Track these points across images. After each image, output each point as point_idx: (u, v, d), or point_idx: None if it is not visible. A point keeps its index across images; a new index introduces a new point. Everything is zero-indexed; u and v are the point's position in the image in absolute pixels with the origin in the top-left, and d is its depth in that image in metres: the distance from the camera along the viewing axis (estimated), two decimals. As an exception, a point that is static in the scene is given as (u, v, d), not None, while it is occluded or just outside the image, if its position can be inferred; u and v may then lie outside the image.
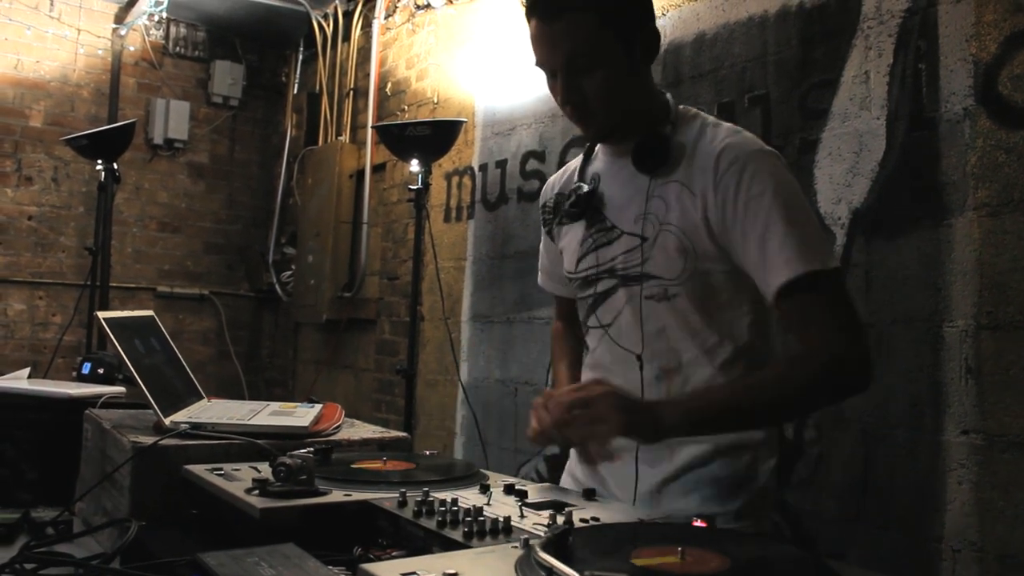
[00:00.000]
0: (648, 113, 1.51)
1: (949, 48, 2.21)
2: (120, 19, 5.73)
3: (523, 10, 1.48)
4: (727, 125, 1.50)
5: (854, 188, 2.38)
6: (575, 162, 1.68)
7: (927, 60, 2.25)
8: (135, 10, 5.54)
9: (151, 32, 5.87)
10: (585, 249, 1.56)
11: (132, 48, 5.83)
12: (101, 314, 1.68)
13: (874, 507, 2.29)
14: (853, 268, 2.37)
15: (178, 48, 6.02)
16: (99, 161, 4.23)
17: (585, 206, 1.54)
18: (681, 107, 1.52)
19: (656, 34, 1.49)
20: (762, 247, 1.36)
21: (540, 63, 1.47)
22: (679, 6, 2.99)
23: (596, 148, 1.62)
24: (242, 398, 5.98)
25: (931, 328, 2.19)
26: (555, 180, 1.72)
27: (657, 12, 3.00)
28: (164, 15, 5.67)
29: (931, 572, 2.15)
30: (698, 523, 1.16)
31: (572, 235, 1.61)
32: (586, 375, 1.64)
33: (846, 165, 2.41)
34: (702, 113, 1.53)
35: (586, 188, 1.55)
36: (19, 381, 2.83)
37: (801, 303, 1.34)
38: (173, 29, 5.97)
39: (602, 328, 1.55)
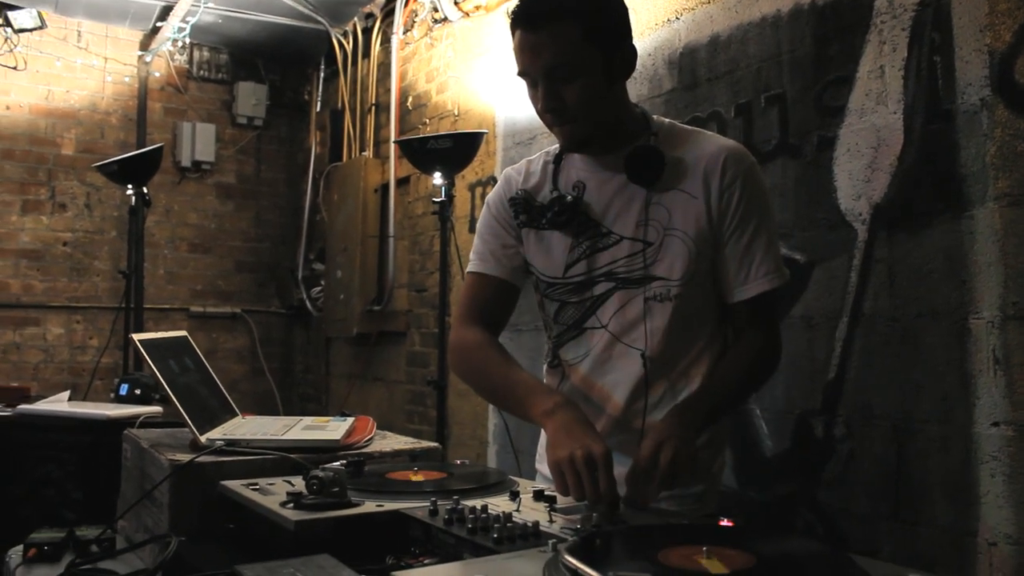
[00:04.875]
0: (626, 125, 1.60)
1: (963, 39, 2.20)
2: (145, 46, 5.83)
3: (508, 21, 1.55)
4: (707, 132, 1.67)
5: (873, 183, 2.38)
6: (538, 163, 1.71)
7: (942, 52, 2.25)
8: (159, 36, 5.64)
9: (175, 57, 5.97)
10: (576, 255, 1.61)
11: (157, 74, 5.93)
12: (136, 336, 1.72)
13: (907, 503, 2.28)
14: (876, 263, 2.36)
15: (202, 71, 6.11)
16: (129, 186, 4.31)
17: (572, 214, 1.58)
18: (655, 118, 1.63)
19: (634, 52, 1.57)
20: (747, 255, 1.56)
21: (522, 72, 1.55)
22: (692, 9, 3.00)
23: (565, 156, 1.66)
24: (277, 414, 6.05)
25: (957, 321, 2.18)
26: (517, 176, 1.72)
27: (671, 16, 3.05)
28: (187, 40, 5.76)
29: (968, 567, 2.13)
30: (724, 523, 1.18)
31: (551, 241, 1.64)
32: (581, 375, 1.65)
33: (865, 161, 2.41)
34: (675, 122, 1.66)
35: (570, 196, 1.59)
36: (60, 404, 2.91)
37: (760, 308, 1.59)
38: (196, 53, 6.06)
39: (604, 328, 1.60)
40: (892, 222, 2.34)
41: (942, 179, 2.22)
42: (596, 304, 1.61)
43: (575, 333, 1.65)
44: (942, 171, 2.22)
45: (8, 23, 5.31)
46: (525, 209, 1.63)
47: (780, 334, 1.65)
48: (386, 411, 5.03)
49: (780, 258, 1.59)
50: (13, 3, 5.30)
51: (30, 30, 5.37)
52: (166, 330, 5.59)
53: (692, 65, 2.98)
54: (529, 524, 1.12)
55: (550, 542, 1.02)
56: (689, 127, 1.67)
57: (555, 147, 1.69)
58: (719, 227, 1.56)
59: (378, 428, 1.87)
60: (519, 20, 1.51)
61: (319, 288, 5.84)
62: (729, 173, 1.55)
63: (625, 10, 1.57)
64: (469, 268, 1.74)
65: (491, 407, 4.02)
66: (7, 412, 2.81)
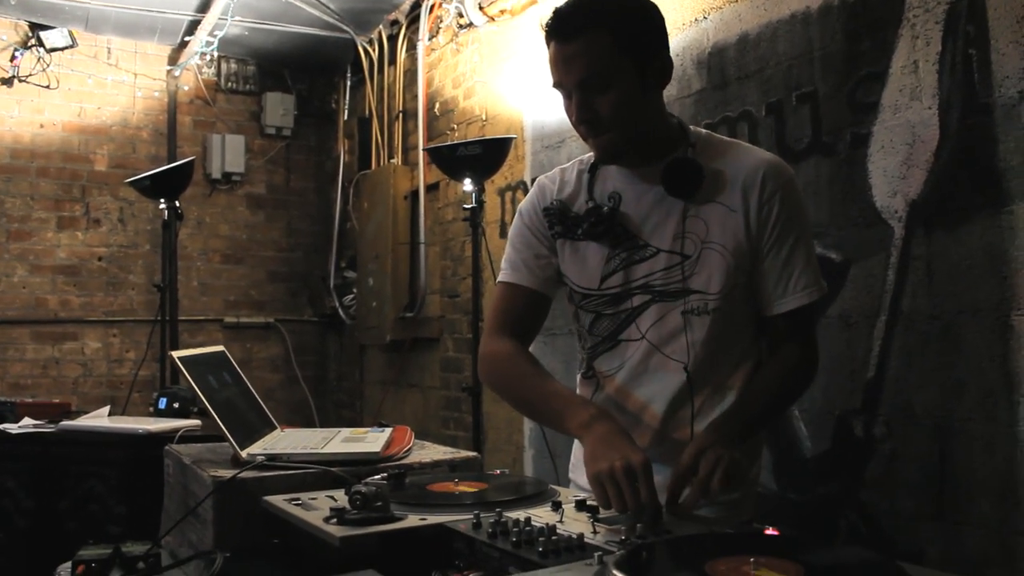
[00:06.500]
0: (662, 136, 1.59)
1: (1000, 31, 2.17)
2: (173, 60, 5.90)
3: (543, 34, 1.54)
4: (744, 144, 1.67)
5: (909, 180, 2.35)
6: (572, 172, 1.69)
7: (977, 45, 2.21)
8: (187, 51, 5.70)
9: (203, 71, 6.02)
10: (612, 267, 1.60)
11: (186, 87, 5.99)
12: (175, 353, 1.74)
13: (952, 503, 2.24)
14: (914, 261, 2.33)
15: (230, 83, 6.16)
16: (162, 200, 4.35)
17: (609, 225, 1.57)
18: (692, 128, 1.61)
19: (670, 62, 1.57)
20: (786, 269, 1.56)
21: (557, 84, 1.54)
22: (720, 8, 2.98)
23: (601, 166, 1.64)
24: (312, 422, 6.10)
25: (999, 317, 2.15)
26: (551, 184, 1.71)
27: (699, 15, 3.03)
28: (215, 53, 5.81)
29: (1017, 568, 2.10)
30: (770, 531, 1.17)
31: (587, 253, 1.63)
32: (617, 386, 1.64)
33: (900, 157, 2.38)
34: (712, 132, 1.65)
35: (607, 207, 1.58)
36: (101, 419, 2.94)
37: (799, 321, 1.59)
38: (224, 66, 6.12)
39: (640, 340, 1.59)
40: (929, 219, 2.31)
41: (980, 174, 2.19)
42: (632, 316, 1.60)
43: (610, 345, 1.64)
44: (980, 166, 2.19)
45: (40, 43, 5.39)
46: (560, 220, 1.61)
47: (817, 347, 1.64)
48: (421, 417, 5.04)
49: (819, 271, 1.59)
50: (45, 23, 5.39)
51: (61, 49, 5.45)
52: (201, 341, 5.69)
53: (721, 64, 2.96)
54: (574, 536, 1.12)
55: (596, 555, 1.02)
56: (727, 138, 1.66)
57: (589, 156, 1.68)
58: (758, 241, 1.55)
59: (414, 435, 1.87)
60: (552, 32, 1.50)
61: (351, 296, 5.87)
62: (769, 187, 1.54)
63: (660, 19, 1.56)
64: (500, 278, 1.72)
65: (526, 412, 4.00)
66: (50, 428, 2.85)
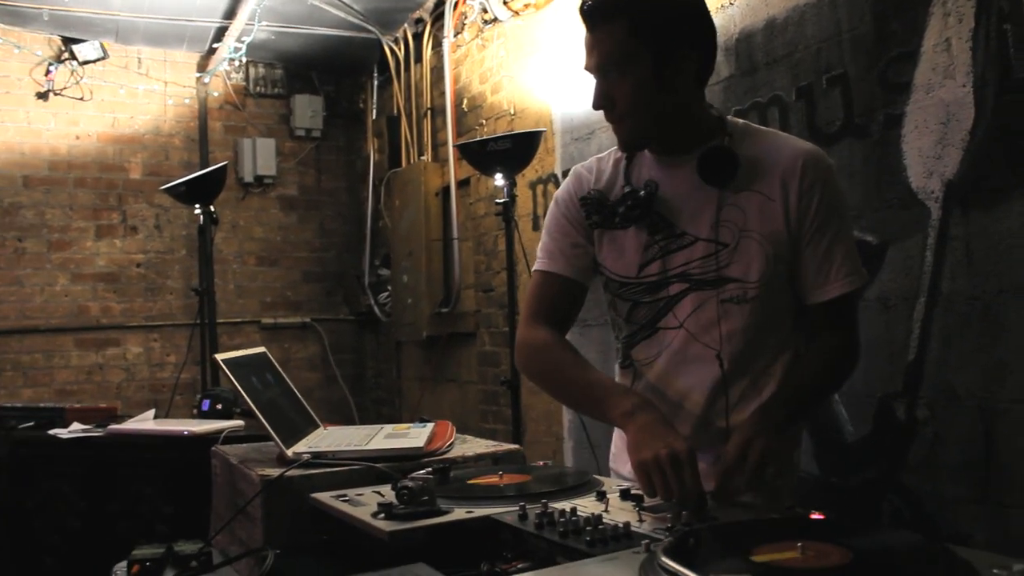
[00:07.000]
0: (698, 126, 1.59)
1: (1034, 5, 2.14)
2: (202, 67, 5.96)
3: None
4: (782, 133, 1.68)
5: (945, 160, 2.32)
6: (608, 161, 1.70)
7: (1012, 20, 2.18)
8: (216, 57, 5.76)
9: (232, 76, 6.09)
10: (651, 255, 1.60)
11: (216, 93, 6.06)
12: (219, 356, 1.76)
13: (997, 486, 2.22)
14: (952, 241, 2.30)
15: (258, 88, 6.22)
16: (196, 205, 4.41)
17: (646, 209, 1.57)
18: (730, 119, 1.62)
19: (700, 60, 1.55)
20: (827, 258, 1.55)
21: (585, 67, 1.57)
22: (747, -7, 2.96)
23: (637, 154, 1.65)
24: (351, 420, 6.14)
25: (1042, 295, 2.12)
26: (588, 174, 1.71)
27: (725, 2, 3.02)
28: (243, 59, 5.87)
29: (1066, 547, 2.08)
30: (816, 516, 1.17)
31: (625, 242, 1.62)
32: (656, 374, 1.64)
33: (934, 137, 2.35)
34: (748, 123, 1.65)
35: (644, 192, 1.57)
36: (147, 422, 3.00)
37: (841, 309, 1.58)
38: (252, 70, 6.18)
39: (679, 328, 1.59)
40: (966, 198, 2.28)
41: (1017, 151, 2.16)
42: (670, 304, 1.60)
43: (648, 333, 1.64)
44: (1017, 143, 2.16)
45: (73, 56, 5.49)
46: (598, 210, 1.61)
47: (859, 335, 1.63)
48: (459, 412, 5.07)
49: (859, 260, 1.58)
50: (77, 37, 5.48)
51: (94, 61, 5.55)
52: (240, 343, 5.76)
53: (749, 50, 2.95)
54: (620, 525, 1.13)
55: (643, 543, 1.02)
56: (764, 128, 1.67)
57: None
58: (798, 231, 1.55)
59: (455, 431, 1.88)
60: (581, 17, 1.55)
61: (386, 293, 5.91)
62: (809, 177, 1.54)
63: (685, 12, 1.54)
64: (536, 266, 1.72)
65: (563, 404, 4.01)
66: (99, 432, 2.91)
